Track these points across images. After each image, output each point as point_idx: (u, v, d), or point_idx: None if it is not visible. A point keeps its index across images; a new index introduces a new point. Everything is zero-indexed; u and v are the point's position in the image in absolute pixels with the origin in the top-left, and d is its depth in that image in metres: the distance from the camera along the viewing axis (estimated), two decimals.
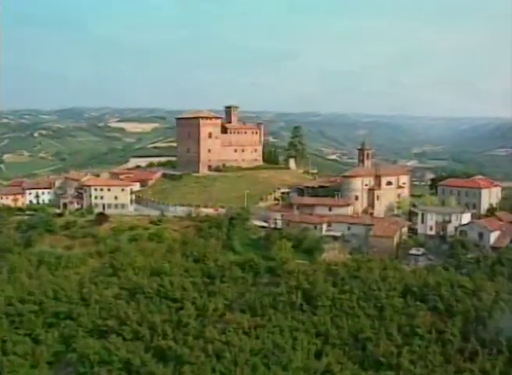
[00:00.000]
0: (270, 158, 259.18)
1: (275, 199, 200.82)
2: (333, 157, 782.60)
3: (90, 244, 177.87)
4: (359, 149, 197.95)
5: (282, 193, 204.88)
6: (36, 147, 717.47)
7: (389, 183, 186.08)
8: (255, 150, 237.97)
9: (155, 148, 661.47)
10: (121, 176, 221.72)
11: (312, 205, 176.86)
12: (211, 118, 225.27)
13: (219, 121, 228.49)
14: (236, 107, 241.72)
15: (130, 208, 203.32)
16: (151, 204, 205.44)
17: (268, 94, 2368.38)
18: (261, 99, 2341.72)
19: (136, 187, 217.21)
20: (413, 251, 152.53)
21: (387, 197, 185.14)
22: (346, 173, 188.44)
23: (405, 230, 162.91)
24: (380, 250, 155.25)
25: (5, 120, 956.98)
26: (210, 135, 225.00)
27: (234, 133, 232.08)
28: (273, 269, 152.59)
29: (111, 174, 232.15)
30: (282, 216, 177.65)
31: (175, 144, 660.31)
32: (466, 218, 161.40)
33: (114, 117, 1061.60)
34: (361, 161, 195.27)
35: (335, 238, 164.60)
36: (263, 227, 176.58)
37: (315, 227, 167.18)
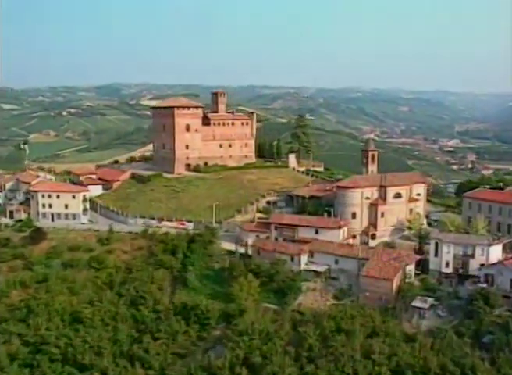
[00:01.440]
0: (270, 153, 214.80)
1: (258, 211, 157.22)
2: (371, 136, 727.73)
3: (20, 269, 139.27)
4: (363, 150, 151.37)
5: (268, 202, 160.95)
6: (63, 126, 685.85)
7: (398, 195, 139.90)
8: (245, 145, 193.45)
9: None
10: (82, 178, 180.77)
11: (294, 226, 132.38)
12: (189, 107, 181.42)
13: (199, 111, 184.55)
14: (224, 92, 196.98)
15: (83, 218, 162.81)
16: (110, 213, 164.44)
17: (309, 69, 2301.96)
18: (302, 74, 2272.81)
19: (98, 190, 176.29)
20: (417, 302, 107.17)
21: (395, 213, 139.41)
22: (342, 183, 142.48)
23: (411, 267, 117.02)
24: (374, 296, 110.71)
25: (41, 98, 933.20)
26: (188, 128, 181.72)
27: (219, 125, 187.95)
28: (228, 318, 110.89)
29: (72, 175, 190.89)
30: (256, 238, 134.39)
31: None
32: (495, 252, 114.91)
33: (150, 94, 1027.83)
34: (365, 165, 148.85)
35: (317, 274, 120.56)
36: (232, 253, 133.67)
37: (292, 259, 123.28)
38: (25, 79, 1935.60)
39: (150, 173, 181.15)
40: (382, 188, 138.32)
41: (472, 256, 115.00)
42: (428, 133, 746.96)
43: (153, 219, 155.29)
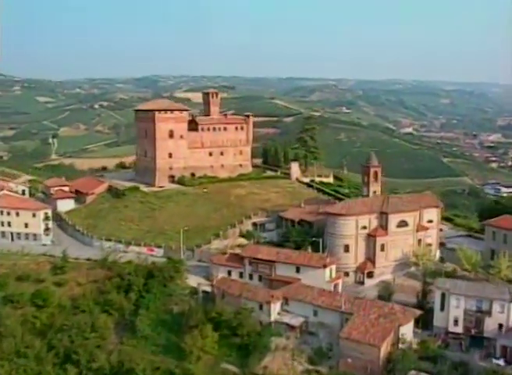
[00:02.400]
0: (276, 160, 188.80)
1: (241, 235, 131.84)
2: (409, 130, 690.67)
3: None
4: (364, 166, 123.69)
5: (255, 224, 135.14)
6: (94, 119, 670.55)
7: (404, 223, 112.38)
8: (240, 152, 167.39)
9: None
10: (53, 190, 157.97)
11: (271, 262, 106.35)
12: (172, 110, 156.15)
13: (185, 115, 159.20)
14: (216, 93, 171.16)
15: (45, 239, 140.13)
16: (77, 234, 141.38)
17: (350, 60, 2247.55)
18: (341, 65, 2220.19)
19: (69, 205, 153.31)
20: None
21: (399, 245, 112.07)
22: (332, 208, 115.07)
23: (409, 326, 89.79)
24: (358, 363, 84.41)
25: (78, 90, 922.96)
26: (171, 134, 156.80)
27: (208, 130, 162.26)
28: None
29: (42, 186, 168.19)
30: (227, 273, 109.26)
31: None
32: None
33: (188, 85, 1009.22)
34: (365, 184, 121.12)
35: (291, 328, 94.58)
36: (192, 295, 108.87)
37: (261, 307, 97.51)
38: (64, 71, 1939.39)
39: (129, 184, 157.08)
40: (383, 215, 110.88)
41: (488, 313, 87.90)
42: (469, 127, 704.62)
43: (120, 242, 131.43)
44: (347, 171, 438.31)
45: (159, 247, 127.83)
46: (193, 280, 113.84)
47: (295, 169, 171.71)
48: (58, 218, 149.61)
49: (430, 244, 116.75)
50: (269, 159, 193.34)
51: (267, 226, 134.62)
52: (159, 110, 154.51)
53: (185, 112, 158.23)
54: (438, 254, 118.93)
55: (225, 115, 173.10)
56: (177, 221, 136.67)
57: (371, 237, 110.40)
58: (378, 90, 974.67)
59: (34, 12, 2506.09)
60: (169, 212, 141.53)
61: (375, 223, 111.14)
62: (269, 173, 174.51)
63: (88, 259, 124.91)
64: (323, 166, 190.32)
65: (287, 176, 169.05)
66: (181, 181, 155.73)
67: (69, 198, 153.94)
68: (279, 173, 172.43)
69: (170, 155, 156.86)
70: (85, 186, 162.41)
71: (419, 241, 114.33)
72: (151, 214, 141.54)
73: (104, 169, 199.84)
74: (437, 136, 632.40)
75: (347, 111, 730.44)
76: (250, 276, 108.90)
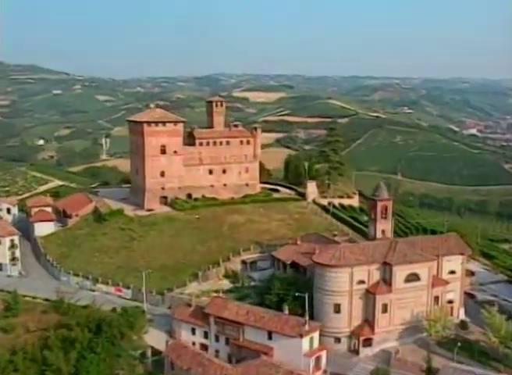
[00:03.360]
0: (295, 175, 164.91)
1: (226, 276, 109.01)
2: (473, 131, 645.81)
3: None
4: (370, 198, 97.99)
5: (244, 262, 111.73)
6: None
7: (414, 277, 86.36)
8: (246, 170, 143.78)
9: (265, 121, 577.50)
10: (34, 211, 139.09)
11: (239, 324, 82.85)
12: (164, 122, 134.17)
13: (179, 127, 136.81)
14: (221, 101, 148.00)
15: (12, 270, 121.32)
16: (48, 264, 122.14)
17: (415, 59, 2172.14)
18: (406, 64, 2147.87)
19: (48, 228, 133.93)
20: None
21: (407, 305, 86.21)
22: (319, 256, 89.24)
23: None
24: None
25: (138, 89, 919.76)
26: (164, 149, 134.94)
27: (208, 144, 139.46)
28: None
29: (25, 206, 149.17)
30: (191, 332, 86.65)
31: (287, 118, 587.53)
32: None
33: (249, 84, 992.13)
34: (372, 221, 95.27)
35: None
36: (144, 357, 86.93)
37: None
38: (128, 70, 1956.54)
39: (117, 206, 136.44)
40: (387, 266, 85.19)
41: None
42: None
43: (87, 278, 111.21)
44: (401, 176, 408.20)
45: (128, 287, 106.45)
46: (153, 336, 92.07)
47: (311, 189, 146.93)
48: (34, 244, 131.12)
49: (451, 302, 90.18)
50: (289, 175, 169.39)
51: (259, 265, 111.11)
52: (149, 122, 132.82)
53: (179, 124, 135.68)
54: (462, 313, 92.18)
55: (236, 125, 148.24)
56: (156, 255, 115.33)
57: (370, 295, 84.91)
58: (443, 89, 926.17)
59: (101, 13, 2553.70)
60: (150, 243, 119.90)
61: (376, 276, 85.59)
62: (285, 191, 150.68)
63: (46, 300, 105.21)
64: (350, 185, 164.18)
65: (298, 198, 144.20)
66: (173, 204, 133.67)
67: (48, 220, 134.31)
68: (292, 194, 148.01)
69: (162, 174, 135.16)
70: (72, 205, 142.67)
71: (436, 298, 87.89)
72: (129, 244, 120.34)
73: (105, 184, 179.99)
74: (503, 138, 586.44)
75: (409, 111, 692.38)
76: (217, 338, 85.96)
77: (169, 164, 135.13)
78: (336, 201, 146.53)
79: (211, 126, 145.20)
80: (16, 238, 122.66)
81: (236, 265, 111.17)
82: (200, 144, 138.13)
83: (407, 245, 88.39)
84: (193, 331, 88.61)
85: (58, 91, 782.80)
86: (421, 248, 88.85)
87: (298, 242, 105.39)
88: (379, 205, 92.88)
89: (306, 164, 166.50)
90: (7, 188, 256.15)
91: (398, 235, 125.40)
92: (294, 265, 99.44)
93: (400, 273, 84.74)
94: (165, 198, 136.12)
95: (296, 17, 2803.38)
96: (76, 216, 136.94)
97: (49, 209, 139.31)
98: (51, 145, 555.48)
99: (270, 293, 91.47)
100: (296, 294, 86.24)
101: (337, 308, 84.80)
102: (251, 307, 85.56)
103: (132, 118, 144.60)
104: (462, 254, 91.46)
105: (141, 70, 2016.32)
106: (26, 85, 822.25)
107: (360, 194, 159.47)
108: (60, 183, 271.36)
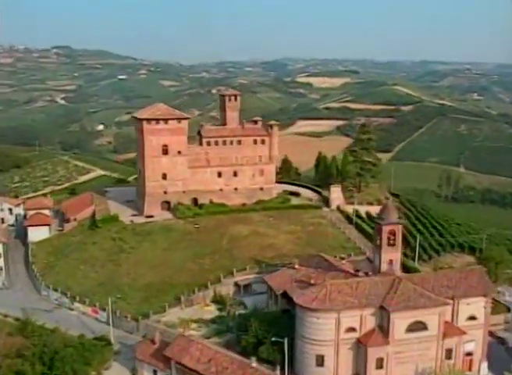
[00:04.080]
0: (326, 175, 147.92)
1: (214, 300, 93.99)
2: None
3: None
4: (375, 222, 79.79)
5: (237, 285, 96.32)
6: (209, 105, 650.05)
7: (420, 325, 68.36)
8: (261, 172, 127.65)
9: (327, 108, 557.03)
10: (29, 213, 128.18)
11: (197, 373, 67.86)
12: (166, 120, 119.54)
13: (183, 125, 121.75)
14: (235, 95, 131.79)
15: None
16: (33, 274, 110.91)
17: (487, 42, 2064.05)
18: (479, 48, 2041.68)
19: (43, 233, 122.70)
20: None
21: (411, 359, 68.49)
22: (300, 297, 72.00)
23: None
24: None
25: (204, 74, 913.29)
26: (166, 149, 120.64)
27: (216, 144, 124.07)
28: None
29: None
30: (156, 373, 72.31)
31: (349, 105, 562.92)
32: None
33: (316, 69, 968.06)
34: (377, 248, 77.36)
35: None
36: None
37: None
38: (196, 55, 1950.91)
39: (116, 210, 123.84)
40: (384, 312, 67.68)
41: None
42: None
43: (66, 295, 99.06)
44: (464, 169, 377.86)
45: (104, 309, 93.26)
46: (116, 373, 78.58)
47: (336, 194, 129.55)
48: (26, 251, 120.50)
49: (470, 354, 71.75)
50: (320, 175, 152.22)
51: (254, 289, 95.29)
52: (148, 119, 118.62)
53: (184, 121, 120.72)
54: (484, 368, 73.53)
55: (256, 122, 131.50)
56: (143, 271, 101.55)
57: (361, 346, 67.76)
58: None
59: None
60: (139, 256, 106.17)
61: (371, 323, 68.27)
62: (308, 195, 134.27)
63: (17, 319, 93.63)
64: (385, 189, 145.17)
65: (317, 205, 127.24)
66: (174, 211, 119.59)
67: (42, 225, 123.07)
68: (315, 199, 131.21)
69: (164, 176, 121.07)
70: (73, 208, 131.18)
71: (448, 351, 69.75)
72: (117, 257, 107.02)
73: (122, 181, 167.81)
74: None
75: (478, 98, 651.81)
76: None
77: (172, 166, 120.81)
78: (364, 209, 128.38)
79: (224, 123, 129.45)
80: (0, 246, 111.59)
81: (227, 287, 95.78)
82: (208, 143, 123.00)
83: (415, 284, 70.27)
84: (155, 374, 74.30)
85: (124, 76, 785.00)
86: (432, 288, 70.56)
87: (296, 266, 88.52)
88: (385, 230, 74.93)
89: (335, 163, 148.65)
90: (46, 178, 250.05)
91: (425, 251, 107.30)
92: (285, 296, 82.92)
93: (400, 320, 67.11)
94: (167, 203, 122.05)
95: (367, 1, 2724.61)
96: (75, 220, 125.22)
97: (47, 212, 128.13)
98: (111, 131, 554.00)
99: (247, 332, 75.57)
100: (273, 339, 70.08)
101: (320, 361, 68.18)
102: (218, 351, 69.90)
103: (134, 114, 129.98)
104: (485, 296, 72.32)
105: (209, 55, 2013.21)
106: (94, 70, 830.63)
107: (396, 198, 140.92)
108: (102, 172, 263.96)
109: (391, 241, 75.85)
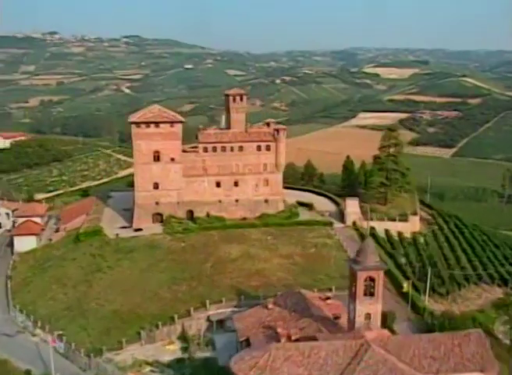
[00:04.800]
0: (350, 183, 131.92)
1: (181, 337, 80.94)
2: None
3: None
4: (348, 268, 63.63)
5: (209, 320, 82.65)
6: (273, 95, 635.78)
7: None
8: (265, 182, 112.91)
9: (391, 100, 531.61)
10: (19, 221, 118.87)
11: None
12: (157, 123, 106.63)
13: (177, 129, 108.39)
14: (241, 94, 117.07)
15: None
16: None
17: None
18: None
19: (29, 244, 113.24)
20: None
21: None
22: (237, 365, 56.86)
23: None
24: None
25: (272, 63, 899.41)
26: (157, 156, 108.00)
27: (214, 150, 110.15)
28: None
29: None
30: None
31: (414, 97, 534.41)
32: None
33: (387, 59, 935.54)
34: (351, 300, 61.51)
35: None
36: None
37: None
38: (265, 44, 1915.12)
39: (109, 220, 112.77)
40: None
41: None
42: None
43: (30, 318, 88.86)
44: None
45: (60, 340, 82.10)
46: None
47: (352, 208, 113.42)
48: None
49: None
50: (343, 184, 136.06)
51: (228, 325, 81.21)
52: (137, 123, 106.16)
53: (177, 124, 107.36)
54: None
55: (268, 124, 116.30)
56: (113, 296, 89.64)
57: None
58: None
59: None
60: (114, 277, 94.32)
61: None
62: (324, 206, 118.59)
63: None
64: (414, 202, 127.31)
65: (328, 221, 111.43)
66: (165, 224, 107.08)
67: (29, 234, 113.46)
68: (330, 212, 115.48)
69: (156, 186, 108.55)
70: (68, 215, 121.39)
71: None
72: (91, 277, 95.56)
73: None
74: None
75: None
76: None
77: (165, 174, 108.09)
78: (385, 226, 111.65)
79: (228, 127, 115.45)
80: None
81: (199, 322, 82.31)
82: (205, 149, 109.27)
83: (388, 351, 54.46)
84: None
85: (190, 66, 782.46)
86: (411, 358, 54.53)
87: (270, 306, 73.83)
88: (361, 276, 59.17)
89: (364, 169, 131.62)
90: (85, 172, 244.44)
91: (443, 282, 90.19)
92: (248, 342, 68.54)
93: None
94: (159, 215, 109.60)
95: None
96: (64, 229, 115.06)
97: (38, 219, 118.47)
98: None
99: None
100: None
101: None
102: None
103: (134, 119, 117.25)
104: (482, 371, 55.35)
105: (279, 44, 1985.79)
106: (161, 59, 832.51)
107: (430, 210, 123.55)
108: None
109: (369, 290, 59.97)
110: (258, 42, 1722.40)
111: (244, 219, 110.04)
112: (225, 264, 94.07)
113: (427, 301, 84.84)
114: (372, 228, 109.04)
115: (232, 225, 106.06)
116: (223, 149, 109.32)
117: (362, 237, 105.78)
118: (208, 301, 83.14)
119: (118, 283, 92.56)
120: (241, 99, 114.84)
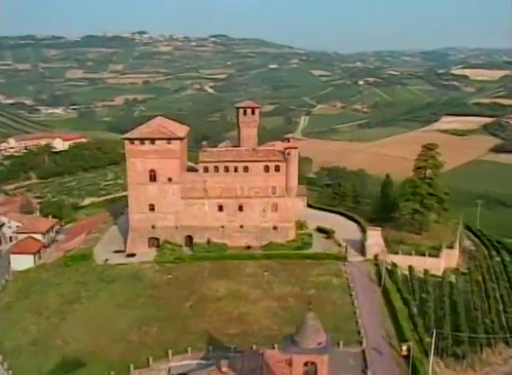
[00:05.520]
0: (384, 206, 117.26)
1: None
2: None
3: None
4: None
5: (171, 373, 71.75)
6: (354, 96, 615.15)
7: None
8: (274, 207, 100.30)
9: (476, 104, 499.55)
10: (20, 238, 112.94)
11: None
12: (153, 139, 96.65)
13: (175, 146, 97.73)
14: (254, 106, 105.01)
15: None
16: None
17: None
18: None
19: (26, 263, 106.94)
20: None
21: None
22: None
23: None
24: None
25: (358, 63, 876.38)
26: (154, 175, 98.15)
27: (215, 170, 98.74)
28: None
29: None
30: None
31: (501, 101, 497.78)
32: None
33: (478, 60, 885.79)
34: None
35: None
36: None
37: None
38: (353, 44, 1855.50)
39: (106, 242, 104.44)
40: None
41: None
42: None
43: None
44: None
45: None
46: None
47: (373, 239, 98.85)
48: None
49: None
50: (374, 207, 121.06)
51: None
52: (130, 139, 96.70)
53: (176, 141, 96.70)
54: None
55: (288, 140, 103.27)
56: (79, 334, 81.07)
57: None
58: None
59: None
60: (89, 311, 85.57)
61: None
62: (348, 233, 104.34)
63: None
64: (454, 233, 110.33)
65: (340, 255, 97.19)
66: (160, 251, 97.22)
67: (25, 253, 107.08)
68: (345, 245, 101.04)
69: (152, 207, 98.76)
70: (75, 232, 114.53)
71: None
72: (67, 308, 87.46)
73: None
74: None
75: None
76: None
77: (162, 195, 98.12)
78: (410, 262, 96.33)
79: (238, 143, 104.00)
80: None
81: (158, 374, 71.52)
82: (206, 169, 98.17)
83: None
84: None
85: (274, 66, 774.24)
86: None
87: (223, 369, 61.65)
88: (298, 361, 45.95)
89: (405, 190, 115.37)
90: None
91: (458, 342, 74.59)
92: None
93: None
94: (156, 239, 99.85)
95: None
96: (63, 249, 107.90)
97: (40, 236, 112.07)
98: None
99: None
100: None
101: None
102: None
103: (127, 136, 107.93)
104: None
105: (367, 44, 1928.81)
106: (246, 59, 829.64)
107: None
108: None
109: None
110: (346, 42, 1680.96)
111: (248, 247, 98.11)
112: (206, 304, 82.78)
113: (431, 368, 69.46)
114: (394, 265, 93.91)
115: (230, 256, 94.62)
116: (226, 169, 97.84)
117: (379, 277, 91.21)
118: (170, 352, 72.02)
119: (90, 318, 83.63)
120: (253, 113, 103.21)
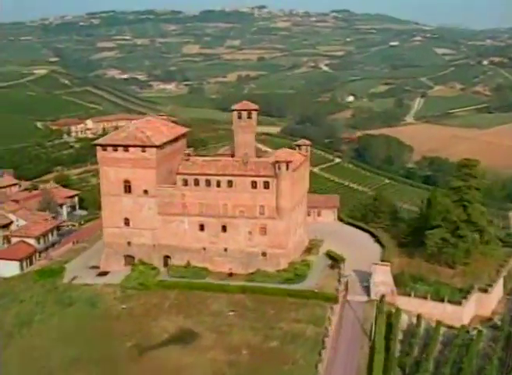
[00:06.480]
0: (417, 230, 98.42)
1: None
2: None
3: None
4: None
5: None
6: (476, 78, 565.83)
7: None
8: (262, 230, 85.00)
9: None
10: (13, 241, 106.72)
11: None
12: (126, 146, 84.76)
13: (151, 155, 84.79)
14: (252, 109, 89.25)
15: None
16: None
17: None
18: None
19: (12, 269, 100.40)
20: None
21: None
22: None
23: None
24: None
25: (488, 41, 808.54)
26: (129, 187, 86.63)
27: (195, 184, 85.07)
28: None
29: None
30: None
31: None
32: None
33: None
34: None
35: None
36: None
37: None
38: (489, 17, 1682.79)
39: (90, 254, 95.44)
40: None
41: None
42: None
43: None
44: None
45: None
46: None
47: (381, 277, 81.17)
48: None
49: None
50: (406, 231, 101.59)
51: None
52: (102, 145, 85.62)
53: (151, 149, 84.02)
54: None
55: (299, 146, 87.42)
56: (10, 368, 71.93)
57: None
58: None
59: None
60: (29, 341, 77.08)
61: None
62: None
63: None
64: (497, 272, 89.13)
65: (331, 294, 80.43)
66: (131, 271, 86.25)
67: (10, 259, 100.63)
68: (347, 280, 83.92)
69: (127, 222, 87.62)
70: (73, 237, 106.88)
71: None
72: (15, 332, 79.53)
73: None
74: None
75: None
76: None
77: (137, 209, 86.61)
78: (422, 310, 77.91)
79: (232, 154, 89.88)
80: None
81: None
82: (185, 182, 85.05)
83: None
84: None
85: (395, 43, 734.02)
86: None
87: None
88: None
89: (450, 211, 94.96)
90: None
91: None
92: None
93: None
94: (130, 258, 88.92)
95: None
96: (51, 259, 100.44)
97: (32, 241, 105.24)
98: (361, 103, 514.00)
99: None
100: None
101: None
102: None
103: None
104: None
105: (503, 20, 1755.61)
106: (367, 35, 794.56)
107: None
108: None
109: None
110: (480, 17, 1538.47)
111: (231, 275, 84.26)
112: (145, 348, 70.41)
113: None
114: (398, 311, 76.03)
115: (200, 285, 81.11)
116: (208, 183, 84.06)
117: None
118: None
119: (26, 351, 75.34)
120: (249, 116, 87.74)
